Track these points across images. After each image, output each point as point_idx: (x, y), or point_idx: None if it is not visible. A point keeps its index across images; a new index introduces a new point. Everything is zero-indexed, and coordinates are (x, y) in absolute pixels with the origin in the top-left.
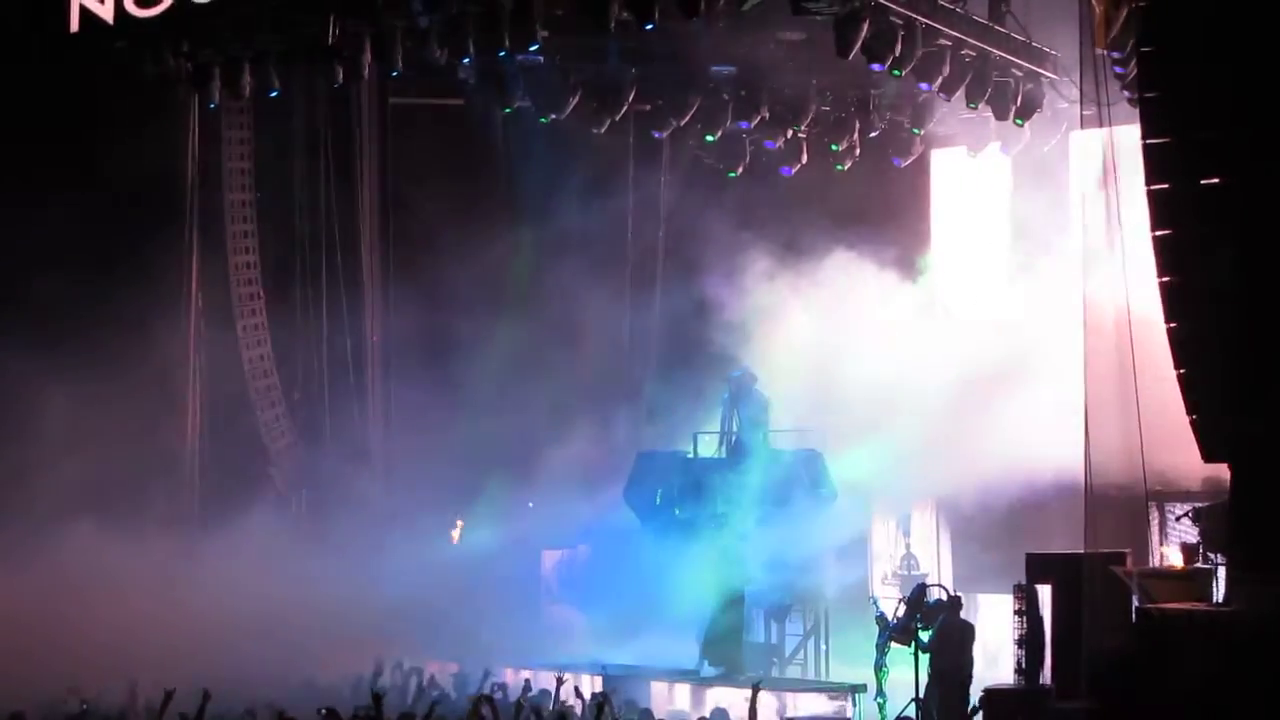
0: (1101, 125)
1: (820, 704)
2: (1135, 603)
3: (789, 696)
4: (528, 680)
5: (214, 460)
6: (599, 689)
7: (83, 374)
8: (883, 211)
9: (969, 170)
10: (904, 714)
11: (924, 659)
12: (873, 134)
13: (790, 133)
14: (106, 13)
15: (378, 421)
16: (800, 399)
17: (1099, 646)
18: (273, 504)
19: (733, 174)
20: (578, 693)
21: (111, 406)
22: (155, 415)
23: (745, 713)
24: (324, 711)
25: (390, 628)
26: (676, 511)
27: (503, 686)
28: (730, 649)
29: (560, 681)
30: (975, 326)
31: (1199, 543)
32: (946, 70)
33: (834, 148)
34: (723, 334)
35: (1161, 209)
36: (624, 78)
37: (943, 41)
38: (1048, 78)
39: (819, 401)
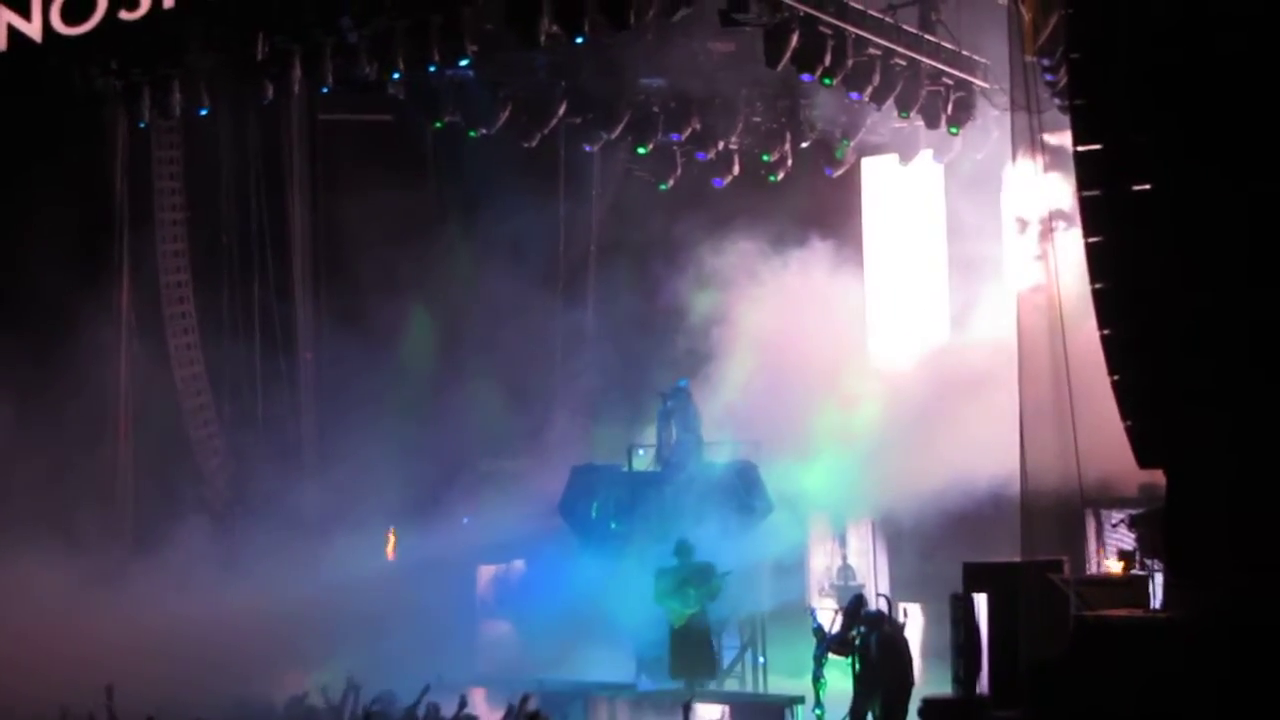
0: (1031, 132)
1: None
2: (1072, 610)
3: (727, 710)
4: (462, 697)
5: (146, 480)
6: (535, 705)
7: (12, 395)
8: (819, 221)
9: (901, 179)
10: None
11: (864, 670)
12: (804, 144)
13: (721, 144)
14: (34, 30)
15: (311, 437)
16: (736, 412)
17: (1036, 655)
18: (205, 523)
19: (664, 186)
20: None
21: (42, 427)
22: (87, 435)
23: None
24: None
25: (324, 644)
26: (613, 525)
27: (436, 706)
28: (701, 659)
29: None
30: (911, 337)
31: (1136, 549)
32: (877, 79)
33: (765, 158)
34: (657, 347)
35: (1093, 215)
36: (554, 91)
37: (872, 51)
38: (979, 86)
39: (755, 414)
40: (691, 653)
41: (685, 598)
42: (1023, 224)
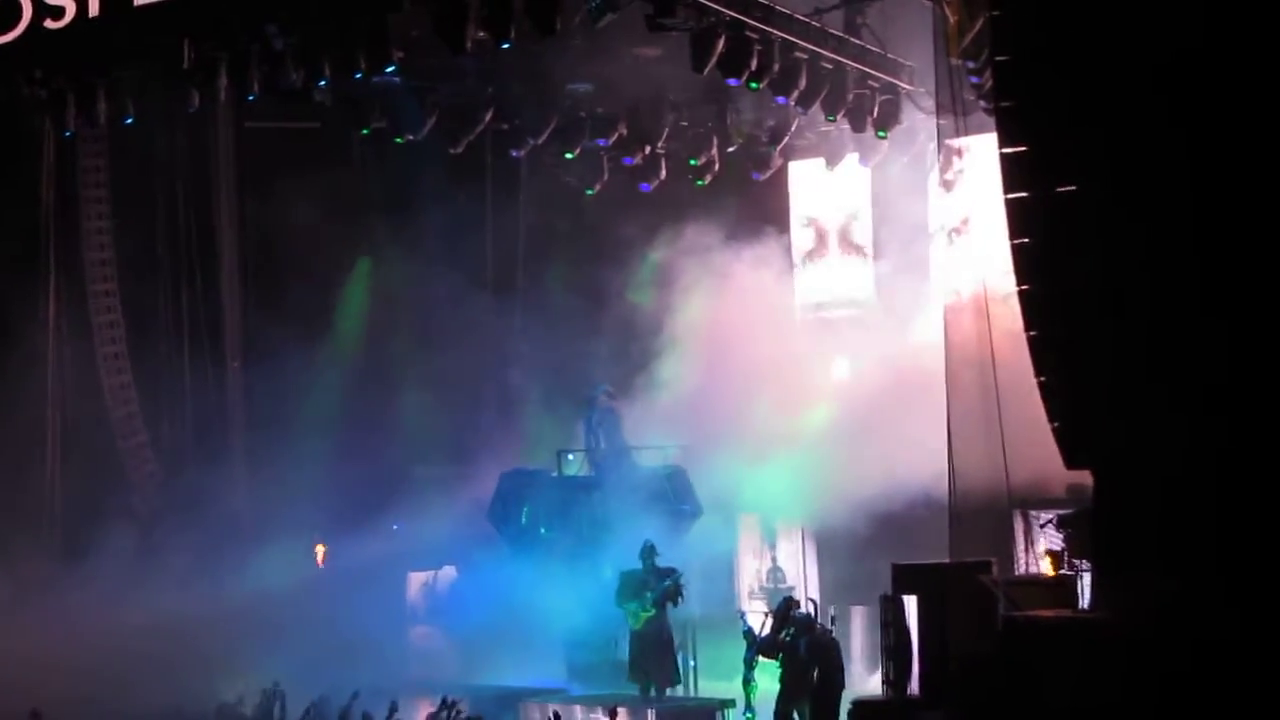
0: (957, 135)
1: None
2: (1001, 610)
3: (654, 713)
4: (393, 703)
5: (74, 490)
6: (468, 712)
7: None
8: (748, 226)
9: (828, 182)
10: None
11: (791, 673)
12: (730, 148)
13: (648, 149)
14: None
15: (240, 444)
16: (666, 415)
17: (966, 655)
18: (134, 531)
19: (590, 191)
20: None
21: None
22: (15, 444)
23: None
24: None
25: (254, 652)
26: (542, 530)
27: (369, 715)
28: (661, 664)
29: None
30: (839, 338)
31: (1064, 549)
32: (803, 83)
33: (693, 162)
34: (586, 352)
35: (1019, 217)
36: (480, 97)
37: (798, 55)
38: (904, 89)
39: (685, 418)
40: (650, 657)
41: (643, 600)
42: (948, 227)
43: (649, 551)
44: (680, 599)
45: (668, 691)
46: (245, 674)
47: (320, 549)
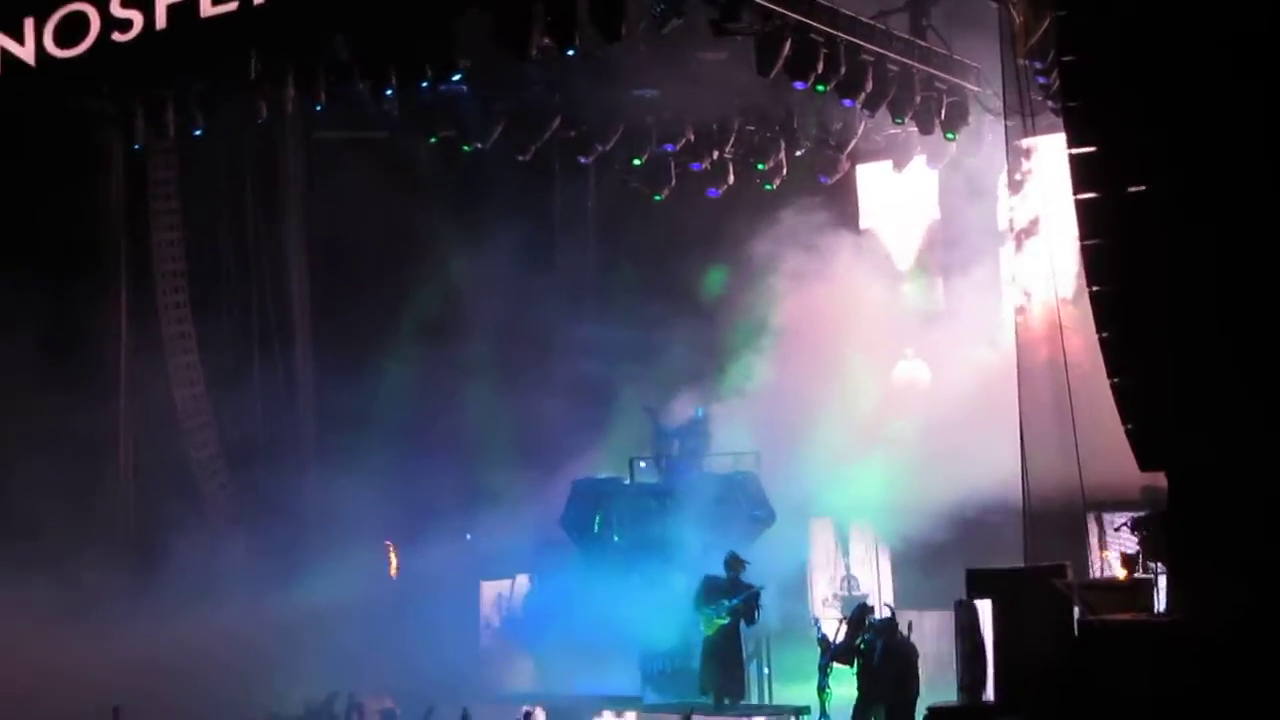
0: (1026, 135)
1: None
2: (1077, 615)
3: None
4: (465, 711)
5: (147, 500)
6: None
7: (13, 417)
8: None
9: (896, 185)
10: None
11: (867, 679)
12: (799, 152)
13: (716, 154)
14: (27, 54)
15: (311, 454)
16: (738, 419)
17: (1041, 660)
18: (207, 541)
19: (659, 197)
20: None
21: (43, 449)
22: (88, 456)
23: None
24: None
25: (326, 661)
26: (615, 538)
27: None
28: (728, 675)
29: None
30: (911, 342)
31: (1139, 552)
32: (870, 86)
33: (759, 167)
34: (657, 359)
35: (1089, 218)
36: (547, 105)
37: (865, 57)
38: (971, 90)
39: (757, 424)
40: (718, 666)
41: (719, 608)
42: (1017, 228)
43: (734, 561)
44: (755, 618)
45: (741, 700)
46: (316, 684)
47: (393, 557)
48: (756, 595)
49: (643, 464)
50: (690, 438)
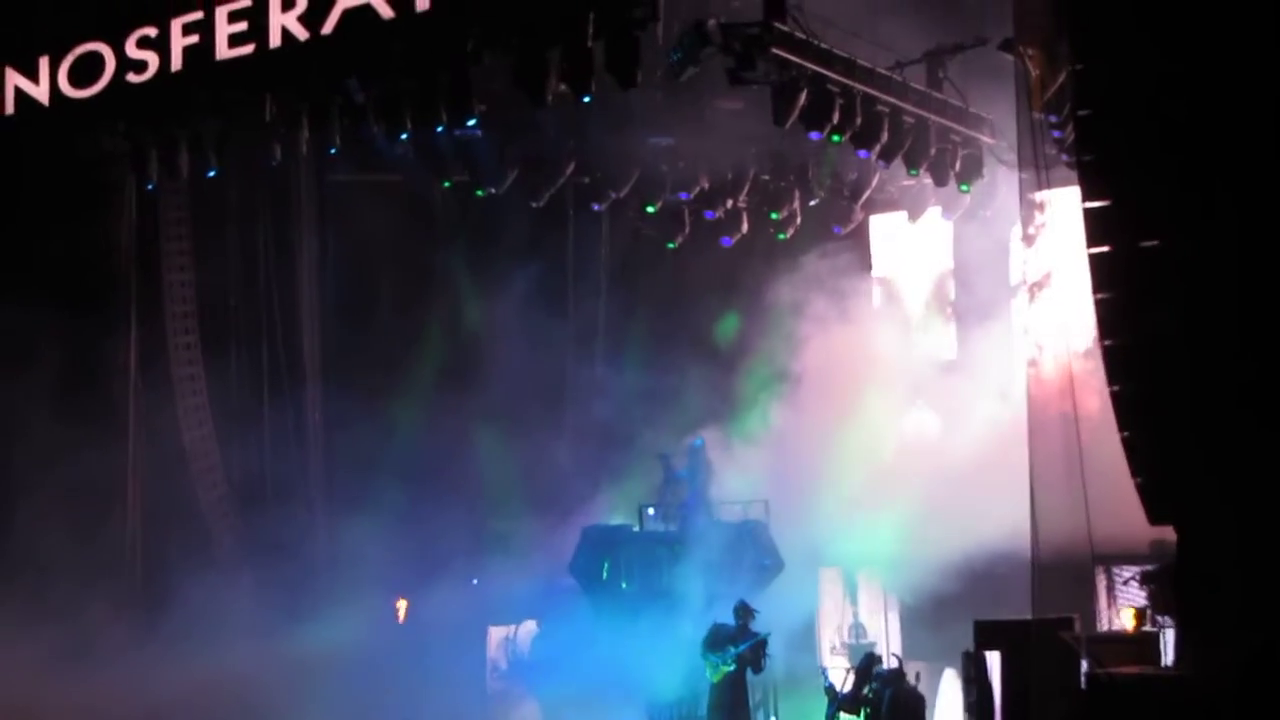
0: (1040, 189)
1: None
2: (1084, 668)
3: None
4: None
5: (155, 541)
6: None
7: (22, 456)
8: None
9: (910, 235)
10: None
11: None
12: (813, 202)
13: (730, 202)
14: (41, 94)
15: (320, 498)
16: (747, 467)
17: (1049, 712)
18: (216, 584)
19: (672, 244)
20: None
21: (50, 489)
22: (96, 497)
23: None
24: None
25: (337, 705)
26: (624, 585)
27: None
28: None
29: None
30: (922, 393)
31: (1147, 606)
32: (885, 137)
33: (774, 216)
34: (667, 406)
35: (1102, 272)
36: (562, 150)
37: (880, 109)
38: (986, 142)
39: (766, 473)
40: (723, 715)
41: (724, 655)
42: (1030, 281)
43: (743, 610)
44: (762, 668)
45: None
46: None
47: (402, 605)
48: (764, 642)
49: (651, 511)
50: (692, 471)
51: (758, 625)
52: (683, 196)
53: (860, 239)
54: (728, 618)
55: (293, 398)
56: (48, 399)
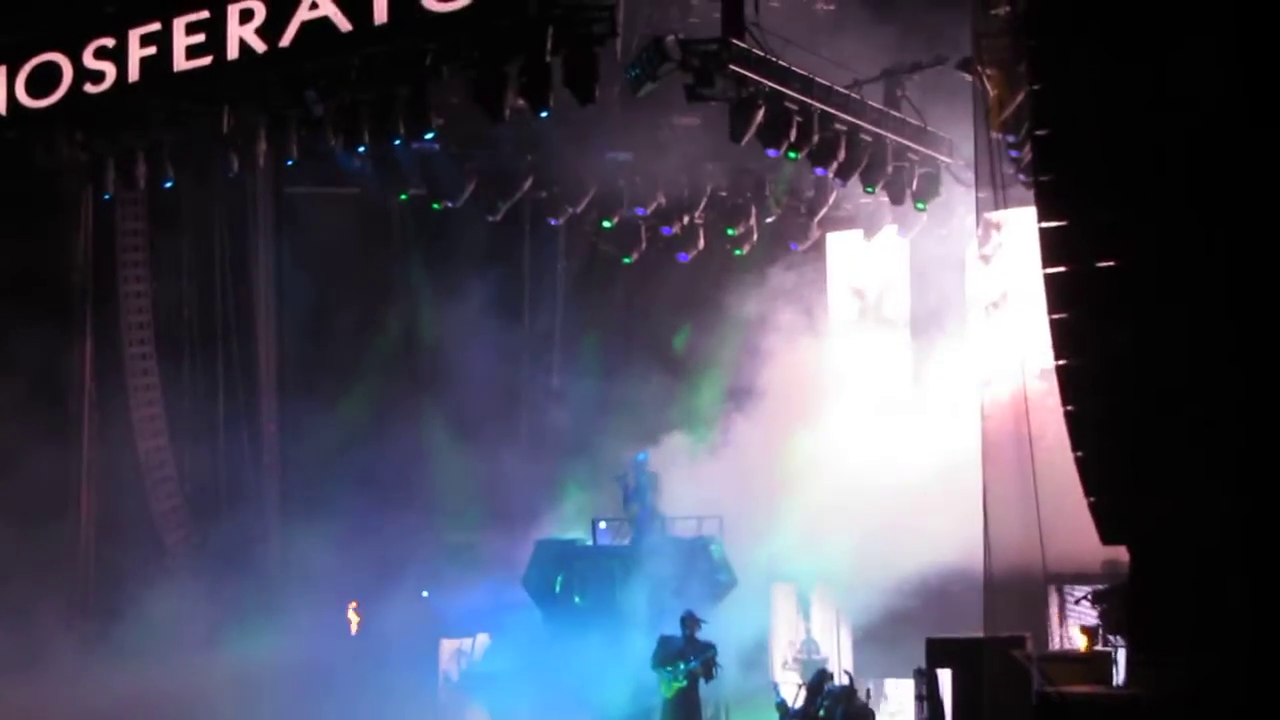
0: (996, 208)
1: None
2: (1035, 686)
3: None
4: None
5: (108, 551)
6: None
7: None
8: (785, 296)
9: (866, 252)
10: None
11: None
12: (769, 219)
13: (686, 218)
14: None
15: (274, 509)
16: (700, 485)
17: None
18: (169, 595)
19: (628, 260)
20: None
21: (3, 500)
22: (49, 508)
23: None
24: None
25: (287, 716)
26: (576, 599)
27: None
28: None
29: None
30: (876, 412)
31: (1099, 625)
32: (842, 155)
33: (730, 232)
34: (622, 420)
35: (1058, 292)
36: (519, 165)
37: (838, 127)
38: (944, 161)
39: (719, 488)
40: None
41: (675, 670)
42: (986, 300)
43: (689, 620)
44: (713, 676)
45: None
46: None
47: (354, 616)
48: (713, 655)
49: (603, 525)
50: (639, 486)
51: (704, 635)
52: (640, 212)
53: (817, 256)
54: (677, 630)
55: (248, 408)
56: (1, 408)
